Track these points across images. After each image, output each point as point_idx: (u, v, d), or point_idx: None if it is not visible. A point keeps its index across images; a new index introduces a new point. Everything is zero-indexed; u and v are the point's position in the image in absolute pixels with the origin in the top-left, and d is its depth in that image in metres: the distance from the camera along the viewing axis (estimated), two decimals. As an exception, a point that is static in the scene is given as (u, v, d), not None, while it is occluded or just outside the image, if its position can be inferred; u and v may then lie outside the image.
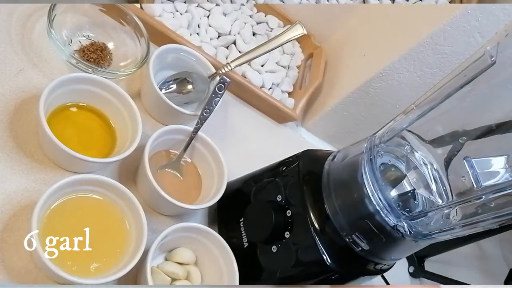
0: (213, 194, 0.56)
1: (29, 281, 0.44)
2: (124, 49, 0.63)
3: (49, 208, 0.45)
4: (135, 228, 0.48)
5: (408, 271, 0.81)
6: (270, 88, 0.78)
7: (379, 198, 0.45)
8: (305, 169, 0.52)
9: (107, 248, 0.46)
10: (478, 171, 0.43)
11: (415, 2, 0.78)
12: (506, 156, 0.44)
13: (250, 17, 0.84)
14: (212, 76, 0.65)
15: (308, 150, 0.56)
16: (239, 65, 0.67)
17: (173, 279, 0.50)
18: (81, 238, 0.45)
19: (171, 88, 0.64)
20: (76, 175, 0.47)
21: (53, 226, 0.44)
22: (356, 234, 0.46)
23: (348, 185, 0.48)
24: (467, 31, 0.64)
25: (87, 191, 0.48)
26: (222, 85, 0.56)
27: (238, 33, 0.78)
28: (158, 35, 0.66)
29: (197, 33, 0.75)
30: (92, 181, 0.47)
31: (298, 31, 0.68)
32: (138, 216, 0.48)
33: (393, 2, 0.82)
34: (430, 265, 0.81)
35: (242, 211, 0.55)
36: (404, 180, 0.48)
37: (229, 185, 0.57)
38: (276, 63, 0.81)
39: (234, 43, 0.78)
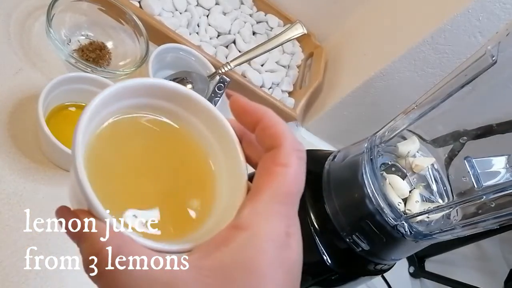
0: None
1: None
2: (123, 48, 0.62)
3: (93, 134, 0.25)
4: (226, 171, 0.28)
5: (408, 271, 0.81)
6: (270, 88, 0.78)
7: (380, 198, 0.45)
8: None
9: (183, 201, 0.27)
10: (478, 171, 0.43)
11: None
12: (506, 156, 0.44)
13: (250, 16, 0.84)
14: (212, 76, 0.65)
15: (308, 150, 0.56)
16: (239, 64, 0.66)
17: None
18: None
19: (170, 87, 0.63)
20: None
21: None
22: (356, 234, 0.46)
23: (348, 185, 0.48)
24: (468, 30, 0.63)
25: (151, 109, 0.27)
26: (222, 85, 0.56)
27: (237, 32, 0.78)
28: (158, 34, 0.66)
29: (197, 32, 0.74)
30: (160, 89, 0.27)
31: (298, 30, 0.68)
32: (232, 151, 0.28)
33: None
34: (430, 265, 0.81)
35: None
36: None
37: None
38: (276, 62, 0.81)
39: (234, 42, 0.77)
